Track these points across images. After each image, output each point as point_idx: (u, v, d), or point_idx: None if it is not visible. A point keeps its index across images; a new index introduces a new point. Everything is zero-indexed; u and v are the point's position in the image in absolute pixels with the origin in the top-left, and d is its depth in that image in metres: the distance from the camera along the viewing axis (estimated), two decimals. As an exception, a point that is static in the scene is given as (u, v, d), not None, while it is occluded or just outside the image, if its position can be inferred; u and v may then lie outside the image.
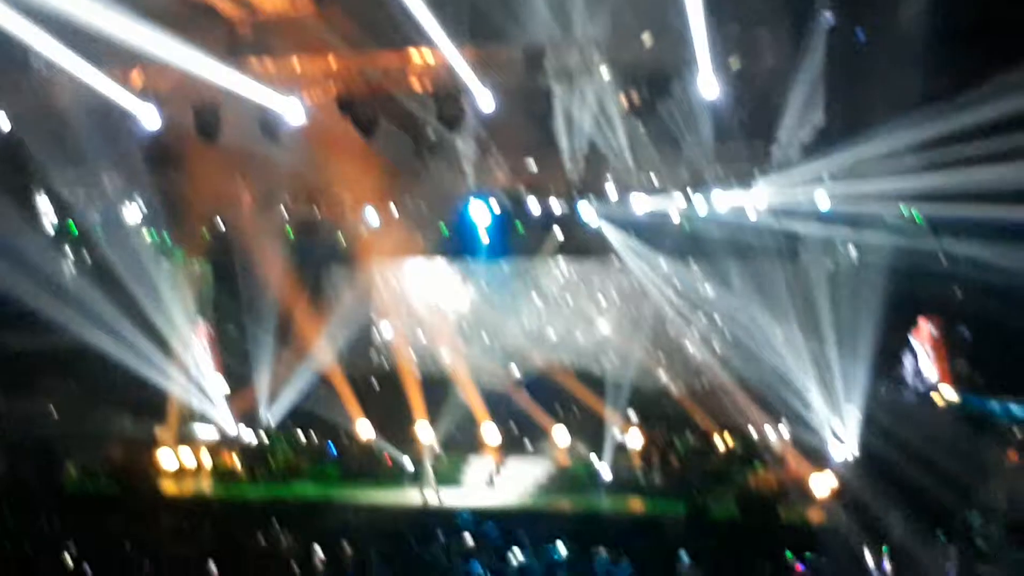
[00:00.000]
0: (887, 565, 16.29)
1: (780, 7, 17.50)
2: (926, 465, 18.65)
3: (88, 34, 17.31)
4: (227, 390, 29.13)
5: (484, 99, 17.60)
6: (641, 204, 23.96)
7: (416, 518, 21.46)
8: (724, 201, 23.32)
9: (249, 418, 27.99)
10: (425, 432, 25.58)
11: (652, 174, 23.80)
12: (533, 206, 25.51)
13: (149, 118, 18.87)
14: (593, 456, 25.82)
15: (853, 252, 24.30)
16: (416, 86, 18.35)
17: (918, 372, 23.72)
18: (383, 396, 29.02)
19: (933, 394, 23.16)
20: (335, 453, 27.03)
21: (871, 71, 18.42)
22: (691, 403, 26.50)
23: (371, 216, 26.14)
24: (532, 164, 23.89)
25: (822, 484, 22.45)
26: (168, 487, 25.84)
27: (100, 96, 18.79)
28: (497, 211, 25.55)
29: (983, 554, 17.19)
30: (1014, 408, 20.86)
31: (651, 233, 25.75)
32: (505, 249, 28.37)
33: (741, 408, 25.64)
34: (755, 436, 25.39)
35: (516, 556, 18.66)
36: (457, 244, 27.72)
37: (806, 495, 22.50)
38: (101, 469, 25.36)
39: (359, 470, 26.40)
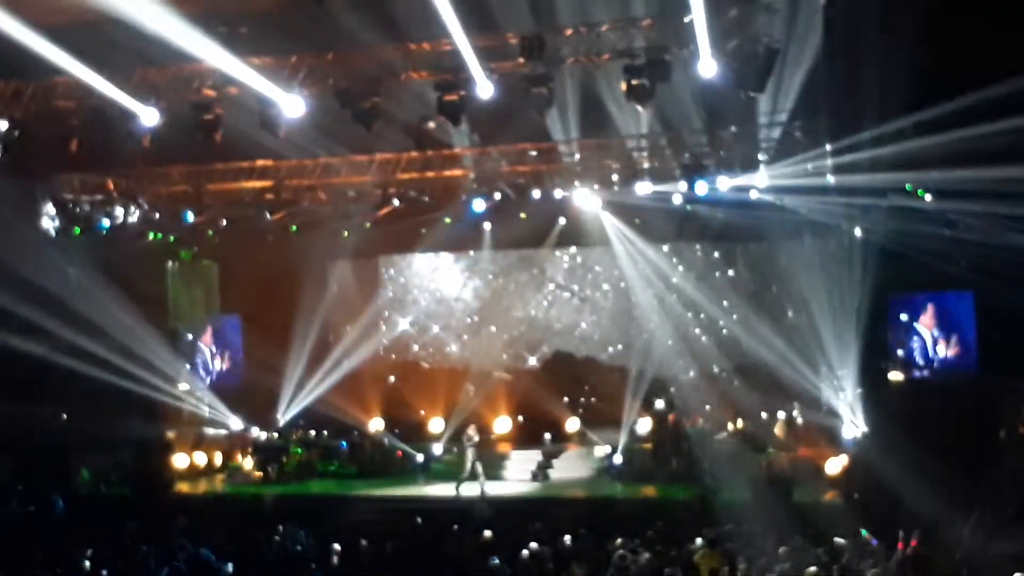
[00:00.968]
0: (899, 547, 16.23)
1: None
2: (937, 442, 18.64)
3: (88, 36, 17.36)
4: (239, 389, 29.19)
5: (484, 88, 17.54)
6: (643, 189, 23.89)
7: (432, 512, 21.42)
8: (726, 183, 23.24)
9: (261, 417, 28.00)
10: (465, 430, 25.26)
11: (654, 159, 23.74)
12: (536, 195, 25.50)
13: (149, 117, 18.84)
14: (606, 444, 25.85)
15: (858, 232, 24.20)
16: (415, 77, 18.32)
17: (926, 352, 23.65)
18: (394, 391, 29.06)
19: (941, 373, 23.12)
20: (348, 450, 27.01)
21: (872, 48, 18.31)
22: (701, 388, 26.45)
23: (375, 209, 26.13)
24: (534, 152, 23.84)
25: (835, 465, 22.44)
26: (182, 488, 25.88)
27: (101, 96, 18.76)
28: (500, 201, 25.52)
29: (996, 529, 17.12)
30: None
31: (654, 218, 25.70)
32: (508, 239, 28.39)
33: (751, 392, 25.64)
34: (766, 419, 25.38)
35: (531, 547, 18.57)
36: (461, 235, 27.71)
37: (820, 477, 22.49)
38: (114, 472, 25.41)
39: (372, 466, 26.42)
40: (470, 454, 24.03)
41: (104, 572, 18.10)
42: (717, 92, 18.66)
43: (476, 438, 24.30)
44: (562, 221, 27.21)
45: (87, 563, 18.49)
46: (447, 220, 27.23)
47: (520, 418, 27.62)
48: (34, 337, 23.30)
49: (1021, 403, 21.40)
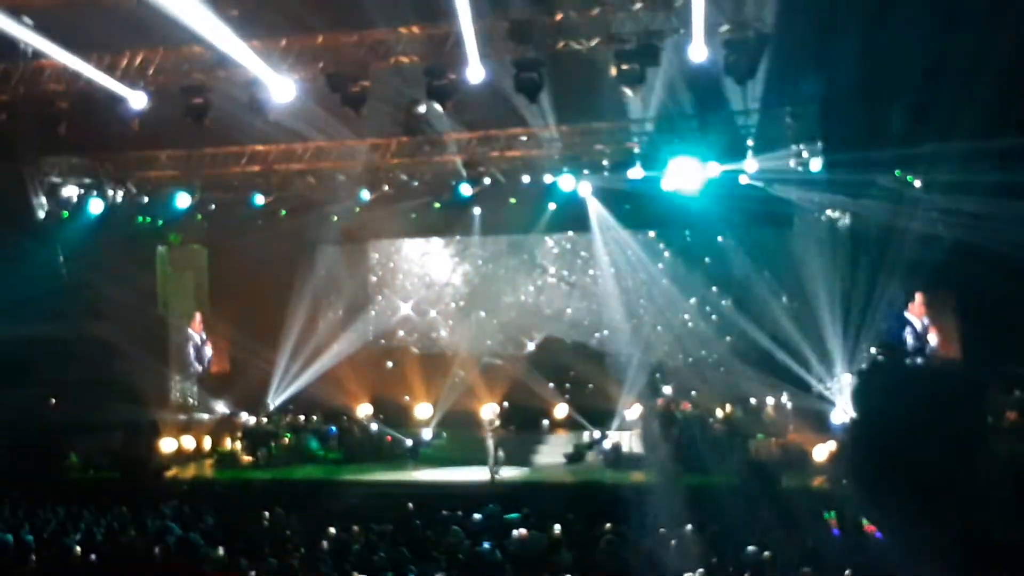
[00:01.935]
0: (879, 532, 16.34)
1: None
2: (924, 428, 18.65)
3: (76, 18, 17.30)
4: (227, 375, 29.18)
5: (475, 72, 17.50)
6: (635, 174, 23.86)
7: (422, 498, 21.45)
8: (715, 169, 23.23)
9: (250, 402, 27.96)
10: (487, 412, 25.23)
11: (643, 144, 23.72)
12: (525, 180, 25.46)
13: (138, 100, 18.77)
14: (595, 429, 25.88)
15: (847, 219, 24.25)
16: (405, 61, 18.28)
17: (916, 338, 23.72)
18: (383, 376, 29.04)
19: (931, 358, 23.18)
20: (337, 435, 26.98)
21: (865, 33, 18.29)
22: (690, 374, 26.48)
23: (364, 194, 26.02)
24: (524, 137, 23.81)
25: (823, 451, 22.48)
26: (171, 473, 25.84)
27: (90, 80, 18.68)
28: (489, 186, 25.48)
29: (981, 514, 17.16)
30: None
31: (644, 203, 25.66)
32: (498, 224, 28.39)
33: (740, 377, 25.67)
34: (755, 405, 25.42)
35: (520, 532, 18.62)
36: (450, 220, 27.66)
37: (808, 462, 22.54)
38: (103, 457, 25.36)
39: (361, 452, 26.40)
40: (490, 438, 24.04)
41: (93, 556, 18.10)
42: (708, 78, 18.68)
43: (497, 422, 24.30)
44: (552, 206, 27.16)
45: (77, 548, 18.47)
46: (437, 205, 27.19)
47: (505, 403, 27.53)
48: (22, 321, 23.23)
49: (1008, 389, 21.48)
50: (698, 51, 16.84)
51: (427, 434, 26.84)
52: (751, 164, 23.18)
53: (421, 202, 27.19)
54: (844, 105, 19.96)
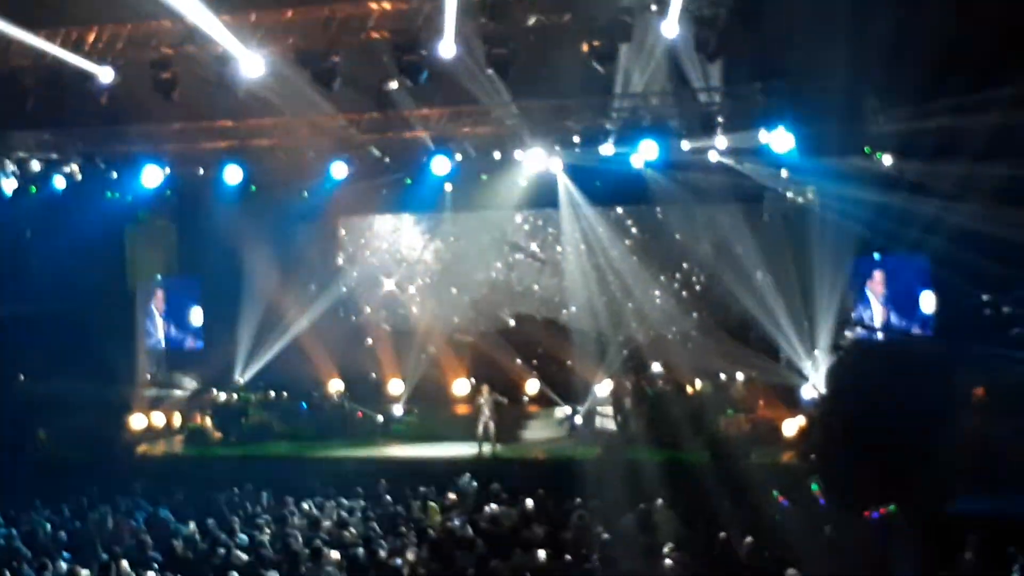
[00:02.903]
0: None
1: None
2: (893, 404, 18.79)
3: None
4: (198, 350, 29.13)
5: (445, 48, 17.42)
6: (603, 151, 23.88)
7: (393, 474, 21.53)
8: (685, 145, 23.28)
9: (220, 378, 27.89)
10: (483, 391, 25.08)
11: (614, 120, 23.71)
12: (496, 156, 25.42)
13: (105, 76, 18.62)
14: (565, 406, 26.00)
15: (815, 195, 24.36)
16: (375, 36, 18.18)
17: (880, 314, 23.94)
18: (354, 352, 29.01)
19: (896, 334, 23.39)
20: (307, 411, 26.96)
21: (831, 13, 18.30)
22: (660, 350, 26.57)
23: (334, 170, 25.96)
24: (496, 112, 23.75)
25: (792, 426, 22.64)
26: (141, 450, 25.79)
27: (56, 57, 18.50)
28: (461, 162, 25.43)
29: (949, 489, 17.34)
30: None
31: (614, 180, 25.66)
32: (469, 201, 28.36)
33: (710, 353, 25.80)
34: (724, 380, 25.56)
35: (492, 508, 18.74)
36: (421, 197, 27.61)
37: (778, 437, 22.71)
38: (72, 435, 25.23)
39: (332, 428, 26.40)
40: (485, 414, 24.08)
41: (62, 534, 18.09)
42: (681, 53, 18.69)
43: (491, 399, 24.31)
44: (523, 183, 27.12)
45: (47, 525, 18.47)
46: (408, 181, 27.13)
47: (473, 380, 27.51)
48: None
49: (974, 365, 21.66)
50: (671, 27, 16.79)
51: (398, 410, 26.87)
52: (720, 141, 23.22)
53: (391, 178, 27.09)
54: (813, 82, 19.99)
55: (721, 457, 20.59)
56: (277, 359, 27.75)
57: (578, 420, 25.21)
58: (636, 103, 22.83)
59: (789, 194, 25.08)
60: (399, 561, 15.51)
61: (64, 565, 15.74)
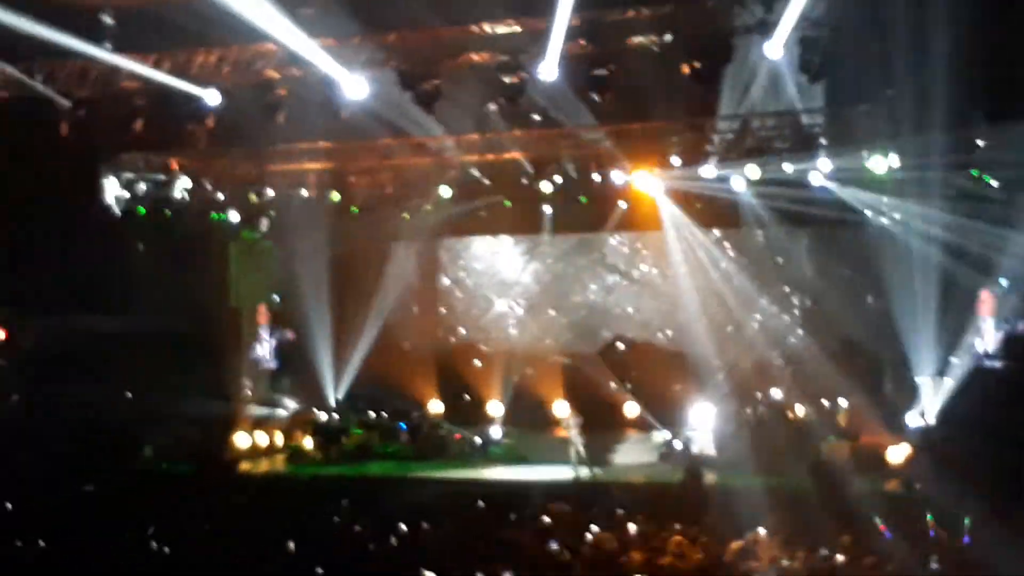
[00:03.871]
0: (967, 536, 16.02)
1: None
2: (1002, 432, 18.33)
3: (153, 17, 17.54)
4: (299, 370, 29.37)
5: (547, 70, 17.43)
6: (705, 174, 23.69)
7: (491, 497, 21.43)
8: (788, 167, 23.01)
9: (320, 399, 28.12)
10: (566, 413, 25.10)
11: (716, 143, 23.53)
12: (596, 178, 25.35)
13: (211, 99, 18.97)
14: (664, 430, 25.76)
15: (919, 218, 23.88)
16: (476, 59, 18.29)
17: (993, 341, 23.31)
18: (453, 373, 29.07)
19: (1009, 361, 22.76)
20: (407, 432, 27.05)
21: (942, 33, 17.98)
22: (762, 375, 26.23)
23: (435, 191, 26.05)
24: (595, 134, 23.70)
25: (897, 454, 22.15)
26: (244, 467, 26.06)
27: (162, 80, 18.91)
28: (560, 184, 25.40)
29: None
30: None
31: (716, 203, 25.45)
32: (568, 222, 28.32)
33: (812, 379, 25.38)
34: (828, 406, 25.11)
35: (593, 531, 18.55)
36: (520, 218, 27.61)
37: (881, 465, 22.23)
38: (177, 451, 25.61)
39: (430, 448, 26.44)
40: (574, 438, 23.95)
41: (167, 549, 18.30)
42: (783, 75, 18.51)
43: (580, 420, 24.18)
44: (623, 205, 27.02)
45: (153, 543, 18.68)
46: (507, 203, 27.18)
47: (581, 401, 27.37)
48: (99, 316, 23.56)
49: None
50: (775, 48, 16.61)
51: (496, 432, 26.83)
52: (823, 163, 22.92)
53: (491, 199, 27.18)
54: (917, 102, 19.64)
55: (823, 484, 20.22)
56: (376, 380, 27.88)
57: (677, 445, 24.88)
58: (738, 125, 22.64)
59: (894, 217, 24.59)
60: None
61: None
